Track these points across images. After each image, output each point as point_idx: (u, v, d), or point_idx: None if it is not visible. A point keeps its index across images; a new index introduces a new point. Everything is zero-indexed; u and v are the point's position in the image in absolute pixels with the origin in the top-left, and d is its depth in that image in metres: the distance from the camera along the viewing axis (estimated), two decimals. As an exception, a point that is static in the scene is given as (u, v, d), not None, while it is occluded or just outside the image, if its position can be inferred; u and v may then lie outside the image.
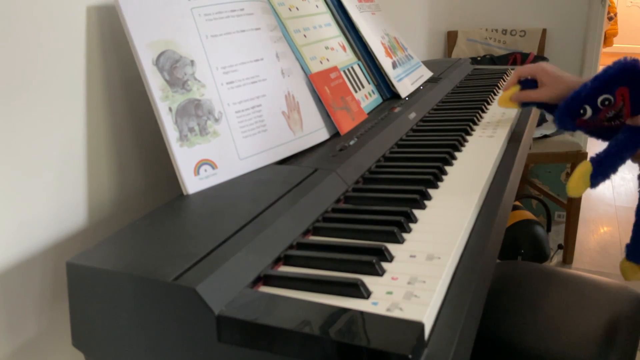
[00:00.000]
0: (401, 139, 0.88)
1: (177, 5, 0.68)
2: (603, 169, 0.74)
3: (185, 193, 0.64)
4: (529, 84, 0.90)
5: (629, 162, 0.78)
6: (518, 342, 0.88)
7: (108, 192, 0.71)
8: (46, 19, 0.60)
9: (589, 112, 0.77)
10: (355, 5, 1.08)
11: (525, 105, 0.91)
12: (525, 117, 1.04)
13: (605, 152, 0.74)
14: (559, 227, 2.34)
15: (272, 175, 0.68)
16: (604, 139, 0.82)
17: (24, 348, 0.61)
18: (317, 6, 0.99)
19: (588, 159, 0.75)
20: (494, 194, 0.68)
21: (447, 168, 0.75)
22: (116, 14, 0.69)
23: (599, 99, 0.75)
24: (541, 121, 2.04)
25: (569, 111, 0.78)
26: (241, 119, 0.70)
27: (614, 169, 0.74)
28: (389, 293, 0.46)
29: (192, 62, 0.68)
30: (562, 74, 0.86)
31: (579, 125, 0.80)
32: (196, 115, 0.66)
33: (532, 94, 0.88)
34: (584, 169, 0.74)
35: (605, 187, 2.78)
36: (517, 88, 0.90)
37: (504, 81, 1.32)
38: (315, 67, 0.87)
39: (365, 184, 0.71)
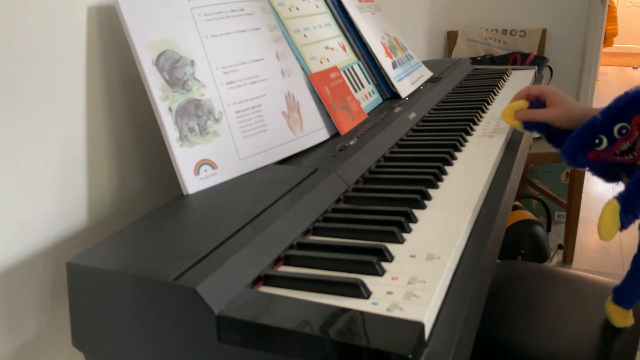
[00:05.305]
0: (401, 139, 0.88)
1: (177, 5, 0.68)
2: (632, 205, 0.68)
3: (185, 193, 0.64)
4: (536, 105, 0.88)
5: None
6: (518, 342, 0.88)
7: (108, 192, 0.71)
8: (46, 19, 0.60)
9: (605, 142, 0.73)
10: (355, 5, 1.08)
11: (528, 127, 0.88)
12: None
13: (630, 187, 0.69)
14: (559, 227, 2.34)
15: (272, 175, 0.68)
16: (609, 179, 0.78)
17: (24, 348, 0.61)
18: (317, 6, 0.99)
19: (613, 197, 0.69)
20: (494, 194, 0.68)
21: (447, 168, 0.75)
22: (116, 14, 0.69)
23: (616, 128, 0.72)
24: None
25: (582, 142, 0.74)
26: (241, 119, 0.70)
27: None
28: (389, 293, 0.46)
29: (192, 62, 0.68)
30: (572, 99, 0.85)
31: (589, 159, 0.75)
32: (196, 115, 0.66)
33: (538, 113, 0.86)
34: (612, 207, 0.67)
35: (605, 188, 2.78)
36: (525, 104, 0.88)
37: (504, 81, 1.32)
38: (315, 67, 0.87)
39: (365, 184, 0.71)
